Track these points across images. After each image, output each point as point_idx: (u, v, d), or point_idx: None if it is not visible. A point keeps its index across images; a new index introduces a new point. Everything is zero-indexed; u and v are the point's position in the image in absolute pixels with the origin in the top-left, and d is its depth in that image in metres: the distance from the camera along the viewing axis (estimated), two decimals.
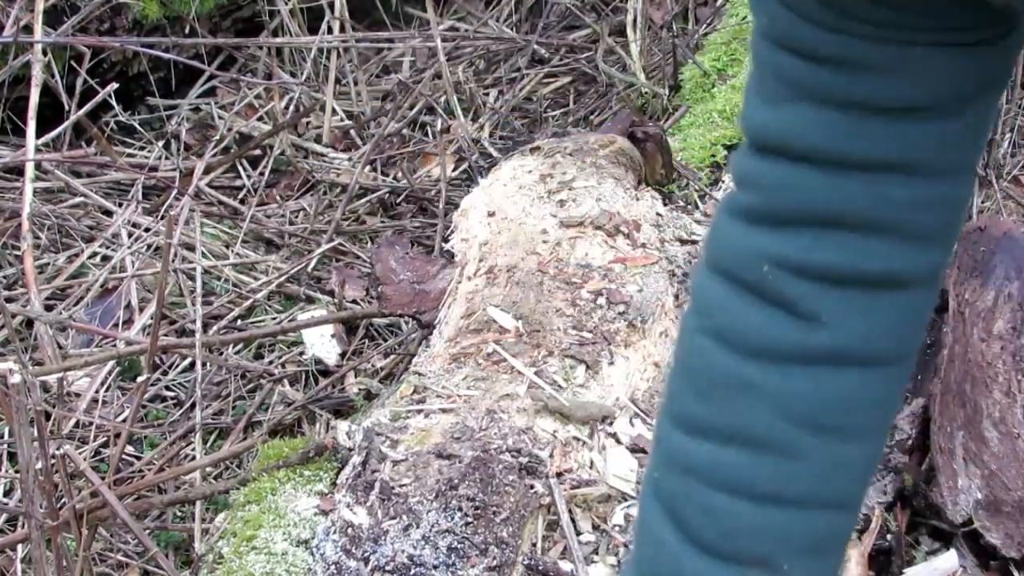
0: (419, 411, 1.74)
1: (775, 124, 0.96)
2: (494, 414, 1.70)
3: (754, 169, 0.99)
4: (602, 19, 3.87)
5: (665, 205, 2.32)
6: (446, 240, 2.31)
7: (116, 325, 2.83)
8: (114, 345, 2.72)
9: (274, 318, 2.93)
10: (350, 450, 1.68)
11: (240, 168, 3.53)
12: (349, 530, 1.54)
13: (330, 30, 3.64)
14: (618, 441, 1.75)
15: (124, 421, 2.32)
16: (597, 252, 2.06)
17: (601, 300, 1.96)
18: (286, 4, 3.67)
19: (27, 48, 3.06)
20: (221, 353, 2.81)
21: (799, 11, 0.93)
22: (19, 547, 2.16)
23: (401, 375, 2.02)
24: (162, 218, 3.14)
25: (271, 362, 2.82)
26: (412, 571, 1.47)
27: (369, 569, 1.48)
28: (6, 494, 2.49)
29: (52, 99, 3.17)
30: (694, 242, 2.23)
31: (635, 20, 3.46)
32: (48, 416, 2.13)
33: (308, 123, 3.75)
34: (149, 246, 3.05)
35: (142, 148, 3.60)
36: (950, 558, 2.01)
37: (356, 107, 3.69)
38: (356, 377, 2.71)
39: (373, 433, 1.68)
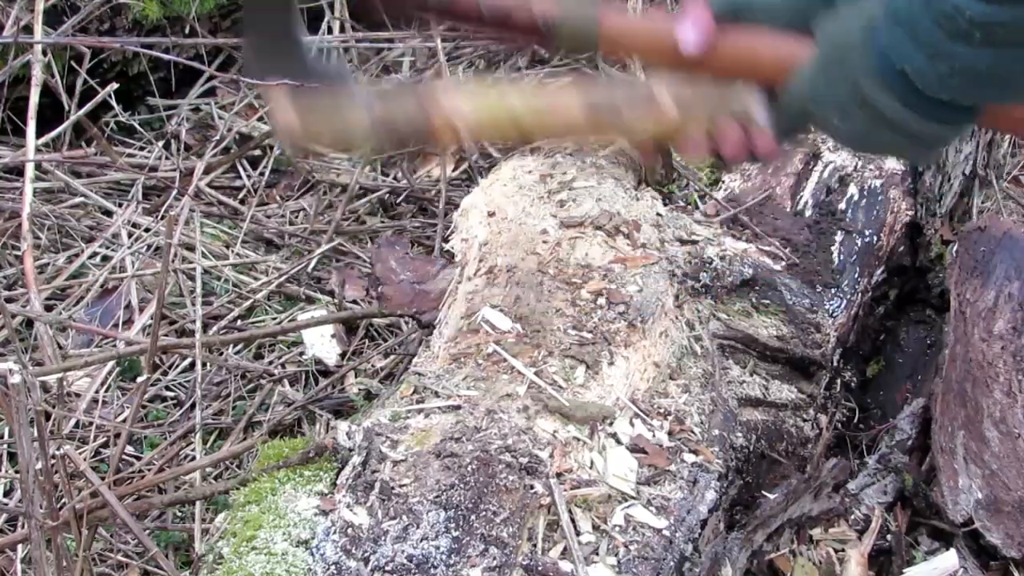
0: (419, 411, 1.74)
1: None
2: (494, 414, 1.70)
3: None
4: None
5: (665, 205, 2.32)
6: (446, 240, 2.31)
7: (116, 325, 2.83)
8: (114, 345, 2.72)
9: (274, 318, 2.93)
10: (350, 450, 1.67)
11: (240, 168, 3.53)
12: (349, 530, 1.54)
13: (330, 30, 3.63)
14: (618, 441, 1.74)
15: (124, 421, 2.32)
16: (597, 252, 2.06)
17: (601, 300, 1.96)
18: None
19: (27, 48, 3.06)
20: (221, 353, 2.81)
21: None
22: (19, 547, 2.16)
23: (401, 375, 2.02)
24: (162, 218, 3.14)
25: (271, 362, 2.82)
26: (412, 571, 1.47)
27: (369, 569, 1.48)
28: (6, 494, 2.49)
29: (52, 99, 3.17)
30: (694, 242, 2.23)
31: None
32: (48, 416, 2.13)
33: None
34: (149, 246, 3.05)
35: (142, 148, 3.60)
36: (950, 558, 2.01)
37: None
38: (356, 377, 2.71)
39: (373, 433, 1.68)
